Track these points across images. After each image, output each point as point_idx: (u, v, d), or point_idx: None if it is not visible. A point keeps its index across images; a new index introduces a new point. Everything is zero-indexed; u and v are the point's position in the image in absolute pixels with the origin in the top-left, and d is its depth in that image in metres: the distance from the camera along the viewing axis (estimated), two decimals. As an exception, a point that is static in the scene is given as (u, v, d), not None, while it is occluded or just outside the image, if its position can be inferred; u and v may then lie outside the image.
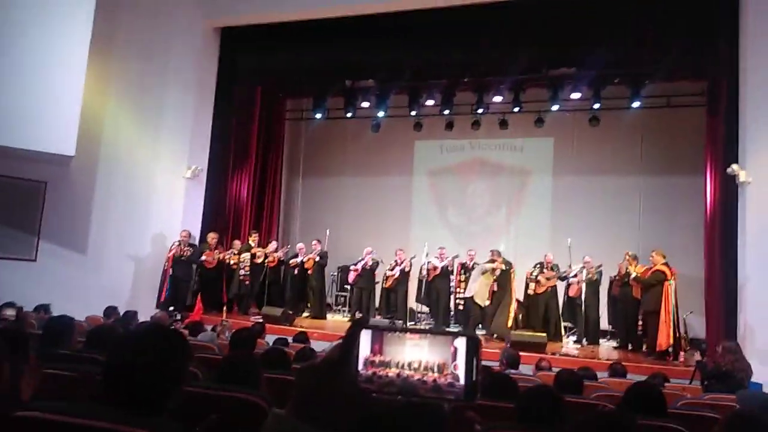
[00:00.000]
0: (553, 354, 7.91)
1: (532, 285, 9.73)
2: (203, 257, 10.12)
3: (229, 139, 11.21)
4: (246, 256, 10.48)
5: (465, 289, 9.95)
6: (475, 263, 10.03)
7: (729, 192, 8.03)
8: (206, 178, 10.69)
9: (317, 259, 10.59)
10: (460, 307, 10.11)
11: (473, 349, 1.21)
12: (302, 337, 6.62)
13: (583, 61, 9.79)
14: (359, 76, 11.79)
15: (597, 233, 10.92)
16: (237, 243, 10.74)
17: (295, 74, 11.63)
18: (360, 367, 1.19)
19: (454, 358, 1.19)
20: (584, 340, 9.31)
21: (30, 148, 8.64)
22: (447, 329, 9.56)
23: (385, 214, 12.87)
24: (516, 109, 11.23)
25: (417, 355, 1.18)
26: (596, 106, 10.67)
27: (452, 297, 10.21)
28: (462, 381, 1.18)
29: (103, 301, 7.60)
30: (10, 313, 5.47)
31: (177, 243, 9.81)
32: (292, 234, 13.47)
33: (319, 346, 5.85)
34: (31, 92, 8.59)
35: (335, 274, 12.22)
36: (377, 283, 10.71)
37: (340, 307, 11.96)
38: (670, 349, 8.03)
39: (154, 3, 10.30)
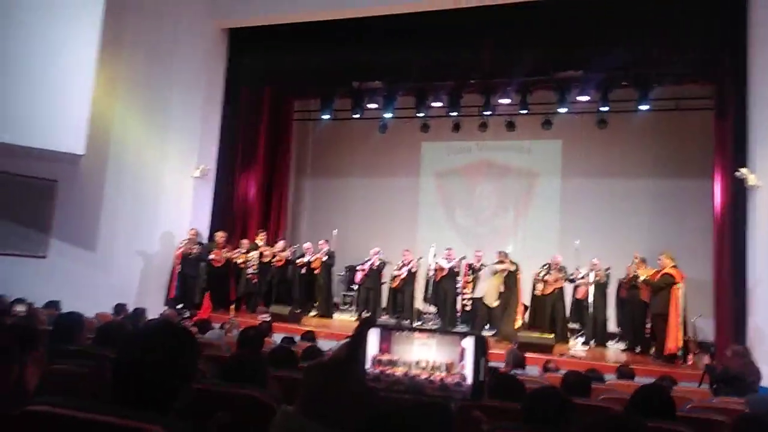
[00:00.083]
0: (561, 355, 7.89)
1: (539, 285, 9.70)
2: (211, 256, 10.17)
3: (237, 139, 11.26)
4: (254, 254, 10.54)
5: (472, 290, 9.95)
6: (482, 264, 10.01)
7: (738, 195, 7.98)
8: (214, 178, 10.74)
9: (325, 258, 10.61)
10: (467, 308, 10.10)
11: (481, 349, 1.21)
12: (309, 336, 6.63)
13: (590, 63, 9.76)
14: (366, 78, 11.80)
15: (605, 236, 10.88)
16: (245, 242, 10.79)
17: (302, 75, 11.65)
18: (368, 365, 1.20)
19: (462, 358, 1.19)
20: (592, 342, 9.28)
21: (41, 147, 8.71)
22: (454, 330, 9.55)
23: (392, 214, 12.87)
24: (523, 111, 11.20)
25: (425, 354, 1.18)
26: (604, 108, 10.62)
27: (459, 298, 10.20)
28: (469, 380, 1.19)
29: (112, 298, 7.66)
30: (21, 309, 5.52)
31: (185, 241, 9.87)
32: (300, 234, 13.49)
33: (325, 345, 5.86)
34: (41, 93, 8.66)
35: (342, 273, 12.24)
36: (384, 283, 10.72)
37: (347, 306, 11.98)
38: (679, 353, 7.99)
39: (163, 4, 10.35)
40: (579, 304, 9.72)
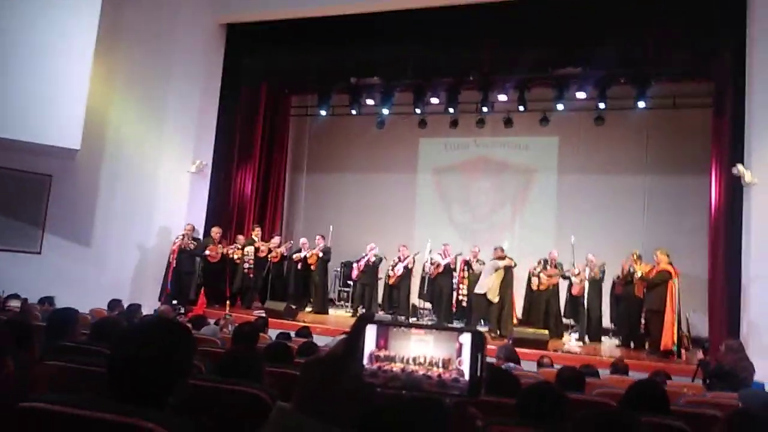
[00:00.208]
0: (555, 351, 7.92)
1: (534, 280, 9.74)
2: (207, 251, 10.16)
3: (233, 135, 11.24)
4: (250, 249, 10.53)
5: (468, 286, 9.96)
6: (479, 260, 10.03)
7: (734, 192, 8.01)
8: (211, 173, 10.72)
9: (320, 254, 10.62)
10: (464, 304, 10.11)
11: (478, 345, 1.21)
12: (305, 332, 6.63)
13: (588, 60, 9.77)
14: (364, 74, 11.79)
15: (601, 232, 10.91)
16: (240, 238, 10.79)
17: (300, 71, 11.64)
18: (365, 361, 1.19)
19: (459, 354, 1.19)
20: (586, 337, 9.31)
21: (35, 142, 8.67)
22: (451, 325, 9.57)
23: (389, 211, 12.87)
24: (521, 108, 11.21)
25: (422, 350, 1.18)
26: (601, 105, 10.64)
27: (455, 294, 10.21)
28: (467, 377, 1.18)
29: (107, 293, 7.64)
30: (15, 304, 5.51)
31: (181, 236, 9.85)
32: (296, 229, 13.49)
33: (321, 340, 5.87)
34: (37, 86, 8.61)
35: (338, 269, 12.25)
36: (380, 279, 10.73)
37: (342, 302, 11.99)
38: (674, 348, 8.03)
39: (160, -2, 10.32)
40: (574, 300, 9.76)
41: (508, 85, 11.00)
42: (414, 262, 10.45)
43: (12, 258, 8.88)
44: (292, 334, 6.43)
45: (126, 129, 10.05)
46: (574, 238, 9.65)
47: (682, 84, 10.41)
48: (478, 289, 9.47)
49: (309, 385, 1.23)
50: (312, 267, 10.67)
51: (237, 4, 10.53)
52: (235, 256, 10.50)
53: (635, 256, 8.92)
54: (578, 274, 9.59)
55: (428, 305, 10.77)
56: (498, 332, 9.16)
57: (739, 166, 7.73)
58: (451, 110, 11.73)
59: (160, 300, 9.49)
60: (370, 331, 1.19)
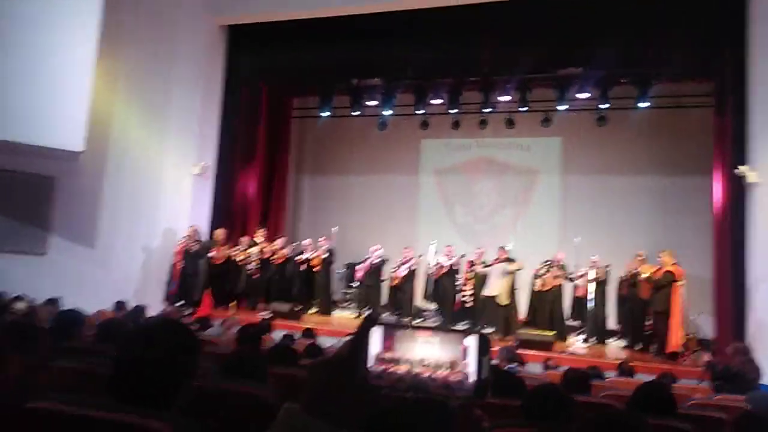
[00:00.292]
0: (561, 353, 7.90)
1: (537, 282, 9.71)
2: (212, 253, 10.17)
3: (236, 137, 11.25)
4: (254, 250, 10.54)
5: (474, 287, 9.95)
6: (483, 262, 10.01)
7: (737, 192, 7.98)
8: (214, 175, 10.74)
9: (324, 256, 10.62)
10: (467, 305, 10.09)
11: (483, 347, 1.21)
12: (309, 334, 6.64)
13: (590, 60, 9.75)
14: (366, 75, 11.79)
15: (604, 233, 10.88)
16: (244, 239, 10.79)
17: (301, 72, 11.64)
18: (371, 363, 1.19)
19: (465, 356, 1.19)
20: (592, 339, 9.29)
21: (39, 144, 8.69)
22: (455, 327, 9.56)
23: (392, 212, 12.87)
24: (523, 109, 11.19)
25: (428, 352, 1.18)
26: (603, 105, 10.62)
27: (459, 295, 10.19)
28: (472, 378, 1.18)
29: (112, 295, 7.66)
30: (20, 306, 5.52)
31: (185, 238, 9.86)
32: (299, 231, 13.49)
33: (325, 342, 5.87)
34: (40, 89, 8.63)
35: (342, 271, 12.24)
36: (384, 280, 10.72)
37: (346, 304, 11.99)
38: (680, 350, 8.00)
39: (161, 1, 10.33)
40: (579, 301, 9.73)
41: (510, 85, 10.98)
42: (418, 263, 10.43)
43: (17, 260, 8.90)
44: (297, 335, 6.44)
45: (129, 131, 10.07)
46: (577, 240, 9.63)
47: (684, 84, 10.39)
48: (487, 292, 9.39)
49: (316, 386, 1.23)
50: (316, 269, 10.67)
51: (237, 5, 10.54)
52: (239, 258, 10.51)
53: (641, 257, 8.88)
54: (583, 275, 9.56)
55: (432, 306, 10.76)
56: (504, 334, 9.11)
57: (742, 167, 7.71)
58: (452, 111, 11.72)
59: (167, 300, 9.51)
60: (377, 333, 1.20)
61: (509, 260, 9.49)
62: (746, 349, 5.64)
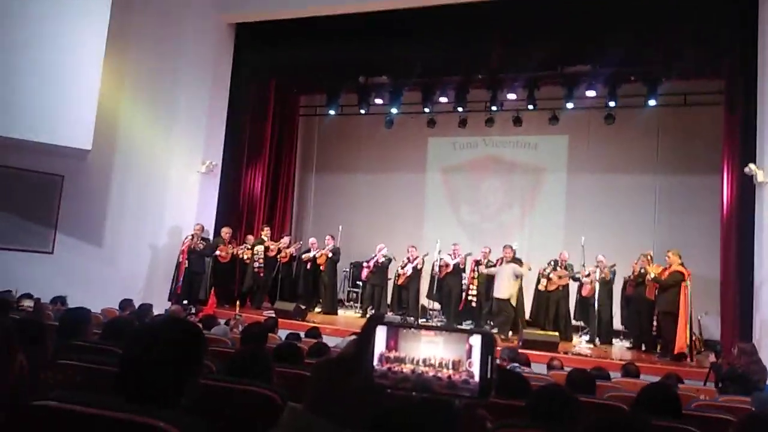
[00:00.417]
0: (566, 353, 7.87)
1: (543, 281, 9.68)
2: (217, 251, 10.21)
3: (243, 135, 11.28)
4: (259, 249, 10.56)
5: (478, 286, 9.93)
6: (488, 261, 9.99)
7: (746, 192, 7.93)
8: (220, 173, 10.77)
9: (330, 254, 10.63)
10: (473, 304, 10.08)
11: (488, 347, 1.20)
12: (314, 333, 6.65)
13: (598, 58, 9.71)
14: (373, 73, 11.78)
15: (611, 232, 10.84)
16: (250, 238, 10.83)
17: (308, 70, 11.65)
18: (375, 362, 1.19)
19: (469, 356, 1.18)
20: (597, 339, 9.25)
21: (47, 142, 8.75)
22: (460, 326, 9.55)
23: (398, 210, 12.86)
24: (530, 107, 11.16)
25: (432, 351, 1.18)
26: (612, 104, 10.57)
27: (464, 294, 10.18)
28: (476, 378, 1.18)
29: (119, 293, 7.70)
30: (27, 304, 5.56)
31: (190, 237, 9.90)
32: (305, 230, 13.52)
33: (330, 341, 5.88)
34: (48, 87, 8.68)
35: (348, 270, 12.25)
36: (389, 279, 10.72)
37: (352, 303, 12.00)
38: (687, 351, 7.96)
39: (170, -1, 10.38)
40: (584, 301, 9.69)
41: (517, 83, 10.96)
42: (423, 262, 10.43)
43: (25, 258, 8.96)
44: (302, 334, 6.45)
45: (136, 129, 10.12)
46: (584, 239, 9.59)
47: (694, 81, 10.31)
48: (497, 294, 9.26)
49: (320, 385, 1.23)
50: (321, 267, 10.68)
51: (245, 3, 10.57)
52: (245, 256, 10.54)
53: (648, 257, 8.83)
54: (588, 275, 9.52)
55: (437, 305, 10.75)
56: (510, 334, 9.08)
57: (752, 165, 7.65)
58: (460, 109, 11.70)
59: (170, 300, 9.55)
60: (381, 333, 1.20)
61: (515, 260, 9.46)
62: (752, 350, 5.61)
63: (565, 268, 9.67)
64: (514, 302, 9.26)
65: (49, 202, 9.34)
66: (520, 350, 6.35)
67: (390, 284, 10.75)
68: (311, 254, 10.81)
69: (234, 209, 11.23)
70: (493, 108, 11.48)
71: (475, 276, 10.02)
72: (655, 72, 10.07)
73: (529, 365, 5.43)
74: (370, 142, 13.23)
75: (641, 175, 11.23)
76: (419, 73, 11.02)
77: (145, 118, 10.19)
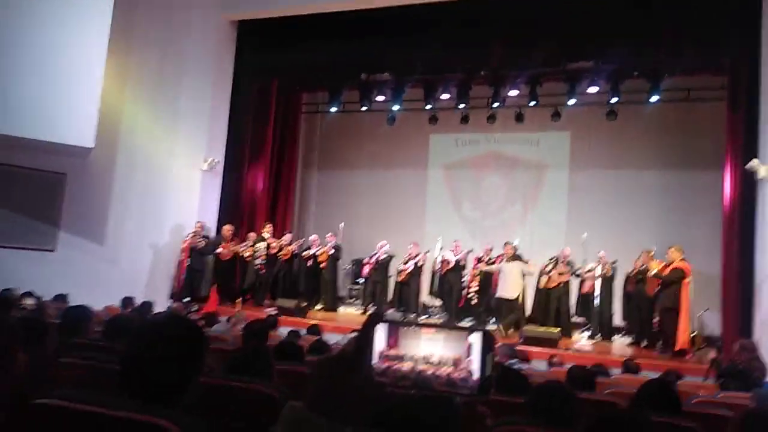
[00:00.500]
0: (566, 350, 7.88)
1: (543, 278, 9.68)
2: (219, 249, 10.22)
3: (245, 132, 11.29)
4: (261, 246, 10.57)
5: (478, 284, 9.94)
6: (489, 258, 9.99)
7: (748, 188, 7.91)
8: (223, 171, 10.78)
9: (331, 251, 10.63)
10: (473, 302, 10.09)
11: (488, 344, 1.21)
12: (315, 330, 6.66)
13: (601, 54, 9.66)
14: (375, 70, 11.75)
15: (613, 228, 10.83)
16: (252, 235, 10.83)
17: (310, 68, 11.61)
18: (375, 360, 1.20)
19: (469, 353, 1.19)
20: (598, 336, 9.26)
21: (50, 140, 8.76)
22: (460, 324, 9.55)
23: (400, 207, 12.87)
24: (532, 103, 11.12)
25: (432, 349, 1.19)
26: (614, 100, 10.54)
27: (465, 291, 10.19)
28: (476, 376, 1.19)
29: (120, 291, 7.71)
30: (29, 302, 5.57)
31: (191, 234, 9.91)
32: (307, 227, 13.52)
33: (331, 338, 5.89)
34: (51, 85, 8.69)
35: (349, 267, 12.26)
36: (390, 276, 10.73)
37: (353, 300, 12.01)
38: (688, 347, 7.97)
39: (172, -4, 10.38)
40: (585, 298, 9.69)
41: (519, 79, 10.91)
42: (425, 259, 10.43)
43: (27, 256, 8.98)
44: (303, 331, 6.46)
45: (139, 127, 10.12)
46: (585, 235, 9.58)
47: (696, 77, 10.27)
48: (504, 294, 9.16)
49: (320, 383, 1.24)
50: (322, 264, 10.69)
51: (247, 1, 10.56)
52: (246, 254, 10.55)
53: (650, 253, 8.81)
54: (589, 271, 9.52)
55: (438, 302, 10.77)
56: (515, 330, 9.06)
57: (754, 162, 7.63)
58: (461, 106, 11.68)
59: (171, 297, 9.57)
60: (381, 331, 1.20)
61: (516, 257, 9.45)
62: (752, 346, 5.61)
63: (567, 265, 9.66)
64: (521, 300, 9.28)
65: (51, 200, 9.35)
66: (521, 347, 6.36)
67: (391, 281, 10.75)
68: (312, 251, 10.81)
69: (236, 207, 11.23)
70: (495, 104, 11.44)
71: (477, 273, 10.03)
72: (658, 68, 10.03)
73: (528, 362, 5.44)
74: (371, 139, 13.23)
75: (643, 171, 11.21)
76: (421, 69, 10.99)
77: (147, 116, 10.19)
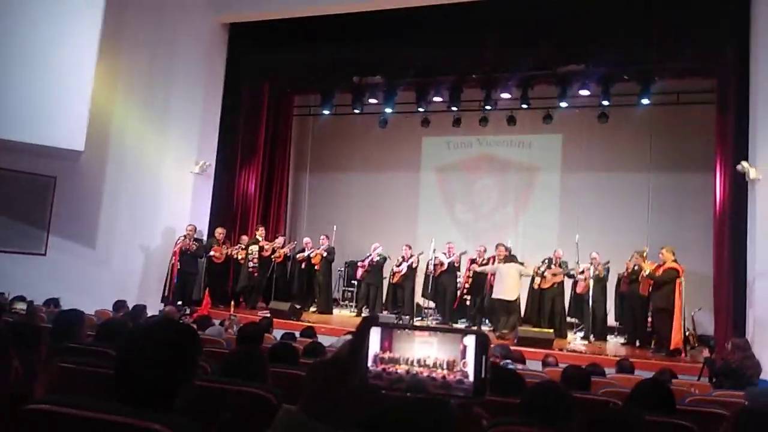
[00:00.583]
0: (560, 350, 7.90)
1: (537, 279, 9.71)
2: (212, 252, 10.18)
3: (236, 135, 11.26)
4: (254, 249, 10.54)
5: (470, 285, 9.95)
6: (483, 259, 10.01)
7: (739, 189, 7.98)
8: (214, 174, 10.75)
9: (324, 254, 10.62)
10: (467, 303, 10.10)
11: (482, 346, 1.21)
12: (310, 332, 6.65)
13: (592, 57, 9.73)
14: (367, 72, 11.77)
15: (605, 230, 10.88)
16: (244, 238, 10.80)
17: (302, 70, 11.63)
18: (369, 363, 1.19)
19: (464, 356, 1.19)
20: (591, 336, 9.29)
21: (40, 143, 8.71)
22: (454, 325, 9.56)
23: (393, 210, 12.87)
24: (524, 106, 11.17)
25: (426, 352, 1.18)
26: (605, 102, 10.60)
27: (459, 293, 10.20)
28: (471, 378, 1.19)
29: (112, 294, 7.67)
30: (20, 306, 5.53)
31: (183, 237, 9.87)
32: (299, 230, 13.50)
33: (325, 340, 5.88)
34: (41, 88, 8.64)
35: (343, 269, 12.25)
36: (384, 278, 10.73)
37: (347, 302, 12.00)
38: (682, 347, 8.01)
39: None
40: (578, 298, 9.74)
41: (511, 82, 10.96)
42: (418, 261, 10.44)
43: (17, 260, 8.91)
44: (297, 334, 6.44)
45: (130, 130, 10.08)
46: (578, 237, 9.63)
47: (686, 80, 10.35)
48: (502, 295, 9.15)
49: (314, 387, 1.23)
50: (316, 267, 10.67)
51: (239, 3, 10.55)
52: (239, 257, 10.51)
53: (643, 254, 8.86)
54: (582, 272, 9.56)
55: (432, 304, 10.77)
56: (505, 332, 9.08)
57: (744, 163, 7.70)
58: (454, 108, 11.71)
59: (163, 301, 9.52)
60: (375, 333, 1.20)
61: (511, 257, 9.48)
62: (745, 346, 5.65)
63: (560, 266, 9.71)
64: (515, 302, 9.31)
65: (41, 203, 9.29)
66: (515, 347, 6.37)
67: (385, 283, 10.75)
68: (306, 254, 10.79)
69: (228, 209, 11.20)
70: (487, 107, 11.49)
71: (470, 275, 10.04)
72: (648, 71, 10.10)
73: (524, 362, 5.45)
74: (364, 142, 13.23)
75: (635, 173, 11.28)
76: (413, 72, 11.01)
77: (138, 119, 10.15)
